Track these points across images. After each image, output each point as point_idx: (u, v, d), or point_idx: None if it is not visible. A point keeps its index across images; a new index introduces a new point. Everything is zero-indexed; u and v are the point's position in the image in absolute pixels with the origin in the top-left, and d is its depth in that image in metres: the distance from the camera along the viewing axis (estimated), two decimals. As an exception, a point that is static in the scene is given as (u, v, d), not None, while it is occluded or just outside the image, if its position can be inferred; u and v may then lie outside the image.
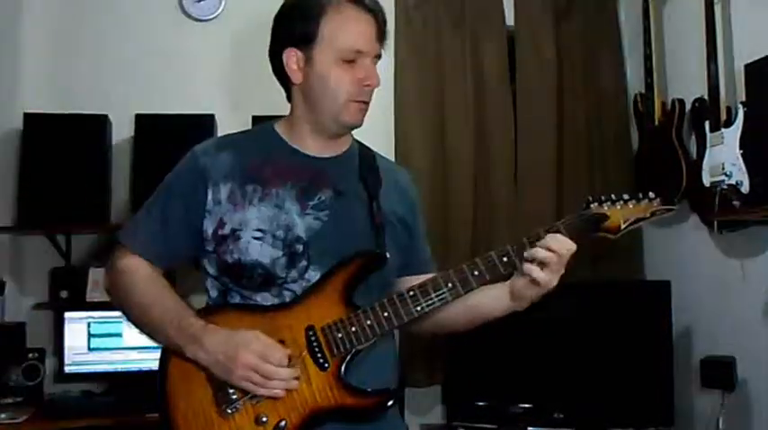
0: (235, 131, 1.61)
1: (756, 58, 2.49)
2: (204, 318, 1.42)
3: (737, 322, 2.74)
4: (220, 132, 3.11)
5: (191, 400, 1.40)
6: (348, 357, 1.41)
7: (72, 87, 3.16)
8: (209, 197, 1.46)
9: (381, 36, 1.49)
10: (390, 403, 1.42)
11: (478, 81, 3.35)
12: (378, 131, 3.24)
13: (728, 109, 2.68)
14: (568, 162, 3.37)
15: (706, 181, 2.73)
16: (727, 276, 2.80)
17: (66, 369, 2.94)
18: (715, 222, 2.74)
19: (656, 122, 3.02)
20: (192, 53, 3.28)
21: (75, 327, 2.95)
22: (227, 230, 1.45)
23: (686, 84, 2.96)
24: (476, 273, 1.43)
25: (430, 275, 1.50)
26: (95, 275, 3.04)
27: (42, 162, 2.90)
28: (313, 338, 1.40)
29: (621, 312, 2.93)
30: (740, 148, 2.56)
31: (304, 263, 1.44)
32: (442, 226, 3.25)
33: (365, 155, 1.59)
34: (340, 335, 1.40)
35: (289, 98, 1.56)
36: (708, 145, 2.73)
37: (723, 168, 2.62)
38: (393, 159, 3.25)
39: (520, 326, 2.96)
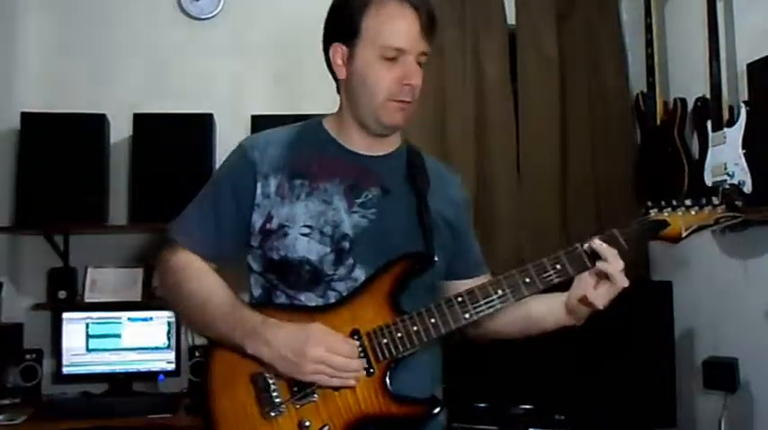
0: (281, 126, 1.58)
1: (759, 56, 2.47)
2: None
3: (740, 323, 2.72)
4: (219, 132, 3.11)
5: (234, 401, 1.38)
6: (393, 363, 1.38)
7: (69, 86, 3.16)
8: (259, 190, 1.45)
9: (427, 32, 1.43)
10: (437, 411, 1.39)
11: (479, 80, 3.33)
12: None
13: (731, 108, 2.67)
14: (570, 162, 3.35)
15: (708, 181, 2.70)
16: (729, 277, 2.78)
17: (65, 370, 2.94)
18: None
19: (658, 122, 3.01)
20: (191, 52, 3.27)
21: (74, 328, 2.95)
22: (274, 225, 1.43)
23: (688, 83, 2.94)
24: (527, 280, 1.40)
25: (480, 279, 1.48)
26: (93, 275, 3.04)
27: (40, 162, 2.90)
28: (358, 343, 1.37)
29: (623, 313, 2.89)
30: (742, 148, 2.54)
31: (351, 260, 1.42)
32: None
33: (414, 155, 1.56)
34: (385, 340, 1.37)
35: (339, 92, 1.54)
36: (710, 144, 2.70)
37: (725, 168, 2.60)
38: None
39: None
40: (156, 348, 2.99)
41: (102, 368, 2.95)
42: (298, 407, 1.37)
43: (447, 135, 3.31)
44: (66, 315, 2.95)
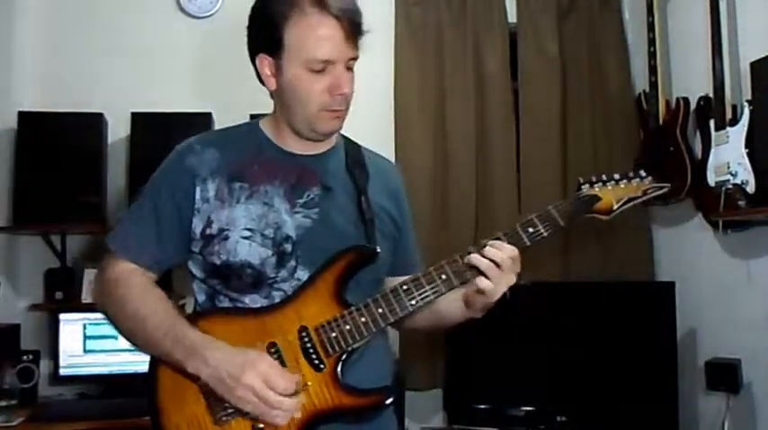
0: (217, 129, 1.57)
1: (762, 55, 2.45)
2: (194, 324, 1.38)
3: (743, 324, 2.71)
4: (218, 131, 3.08)
5: (184, 410, 1.37)
6: (344, 356, 1.38)
7: (67, 85, 3.14)
8: (198, 195, 1.43)
9: (352, 38, 1.39)
10: (389, 401, 1.39)
11: (480, 79, 3.32)
12: (378, 131, 3.23)
13: (734, 107, 2.65)
14: (572, 161, 3.34)
15: (711, 180, 2.69)
16: (732, 277, 2.76)
17: (62, 371, 2.92)
18: (720, 222, 2.71)
19: (661, 121, 3.00)
20: (189, 50, 3.25)
21: (71, 329, 2.93)
22: (214, 229, 1.42)
23: (691, 82, 2.93)
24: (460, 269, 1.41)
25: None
26: (91, 276, 3.02)
27: (37, 161, 2.88)
28: (306, 339, 1.37)
29: (625, 313, 2.90)
30: (746, 147, 2.52)
31: (293, 262, 1.42)
32: (442, 226, 3.22)
33: (351, 149, 1.56)
34: (334, 334, 1.37)
35: (271, 97, 1.52)
36: (713, 144, 2.69)
37: (728, 167, 2.59)
38: (393, 159, 3.22)
39: (521, 327, 2.95)
40: (155, 349, 2.96)
41: (100, 369, 2.93)
42: None
43: (447, 134, 3.29)
44: (63, 316, 2.93)
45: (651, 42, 3.00)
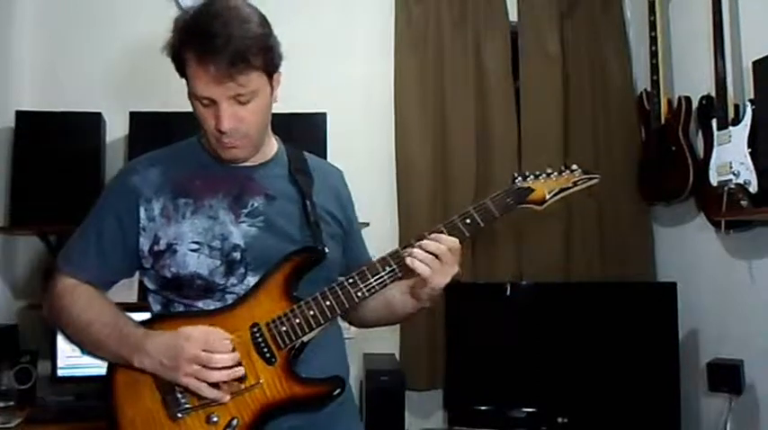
0: (157, 149, 1.61)
1: (765, 54, 2.44)
2: (148, 328, 1.44)
3: (745, 324, 2.70)
4: (217, 130, 3.07)
5: (139, 408, 1.41)
6: (295, 348, 1.43)
7: (65, 84, 3.12)
8: (143, 214, 1.48)
9: (230, 75, 1.38)
10: (338, 391, 1.44)
11: (481, 79, 3.31)
12: (378, 130, 3.22)
13: (736, 107, 2.64)
14: (573, 161, 3.27)
15: (713, 180, 2.69)
16: (734, 277, 2.75)
17: (60, 372, 2.90)
18: (722, 222, 2.70)
19: (663, 120, 2.99)
20: (188, 49, 3.22)
21: (69, 330, 2.90)
22: (162, 246, 1.47)
23: (693, 81, 2.92)
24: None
25: None
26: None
27: (35, 161, 2.86)
28: (258, 335, 1.42)
29: (626, 314, 2.90)
30: (748, 147, 2.52)
31: (242, 270, 1.47)
32: (439, 226, 3.20)
33: (294, 156, 1.61)
34: (284, 328, 1.42)
35: None
36: (715, 143, 2.69)
37: (731, 167, 2.59)
38: (393, 159, 3.21)
39: (522, 327, 2.94)
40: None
41: (98, 370, 2.86)
42: (204, 404, 1.39)
43: (448, 134, 3.28)
44: (61, 316, 2.91)
45: (653, 41, 2.99)
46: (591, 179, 1.60)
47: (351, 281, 1.45)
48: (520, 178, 1.55)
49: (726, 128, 2.62)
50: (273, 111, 2.98)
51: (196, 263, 1.45)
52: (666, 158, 2.93)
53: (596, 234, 3.27)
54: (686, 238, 3.06)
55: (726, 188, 2.58)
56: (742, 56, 2.67)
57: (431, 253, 1.42)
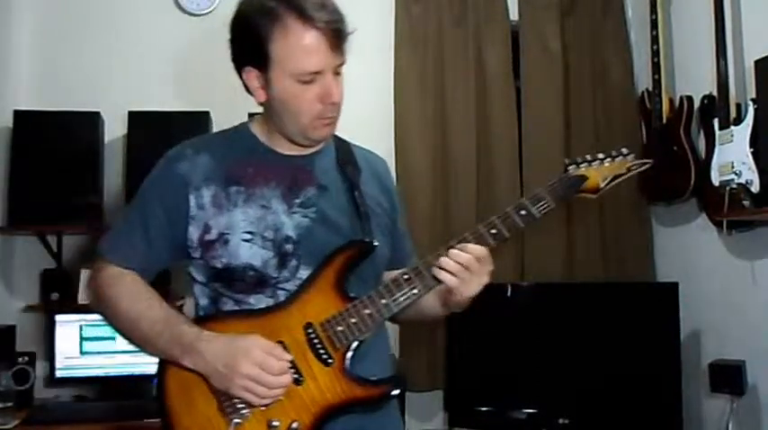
0: (205, 134, 1.59)
1: (767, 53, 2.44)
2: (200, 327, 1.40)
3: (747, 325, 2.69)
4: (215, 130, 3.04)
5: (194, 414, 1.38)
6: (351, 349, 1.40)
7: (63, 84, 3.10)
8: (192, 203, 1.44)
9: (337, 46, 1.39)
10: (398, 391, 1.42)
11: (481, 78, 3.29)
12: (378, 130, 3.20)
13: (738, 106, 2.64)
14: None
15: (715, 180, 2.68)
16: (736, 278, 2.74)
17: (58, 373, 2.89)
18: (724, 222, 2.69)
19: (664, 120, 2.98)
20: (187, 48, 3.22)
21: (67, 331, 2.90)
22: (213, 235, 1.43)
23: (695, 80, 2.90)
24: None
25: None
26: (87, 277, 2.98)
27: (33, 161, 2.84)
28: (313, 335, 1.39)
29: (628, 314, 2.88)
30: (750, 146, 2.51)
31: (294, 262, 1.43)
32: (443, 226, 3.20)
33: (341, 145, 1.58)
34: (341, 328, 1.39)
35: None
36: (717, 143, 2.68)
37: (732, 167, 2.58)
38: (393, 159, 3.20)
39: (523, 328, 2.93)
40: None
41: (96, 371, 2.90)
42: (263, 408, 1.36)
43: (448, 131, 3.27)
44: (59, 317, 2.90)
45: (654, 40, 2.98)
46: (644, 164, 1.51)
47: (406, 277, 1.41)
48: (573, 165, 1.48)
49: (728, 127, 2.61)
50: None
51: (249, 253, 1.41)
52: (668, 158, 2.91)
53: (597, 234, 3.26)
54: (688, 238, 3.05)
55: (727, 188, 2.57)
56: (744, 55, 2.66)
57: (459, 263, 1.39)
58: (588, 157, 1.49)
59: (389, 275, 1.50)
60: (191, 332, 1.37)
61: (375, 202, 1.54)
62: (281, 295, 1.42)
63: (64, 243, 3.04)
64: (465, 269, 1.38)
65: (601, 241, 3.27)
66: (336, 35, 1.38)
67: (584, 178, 1.47)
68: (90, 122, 2.94)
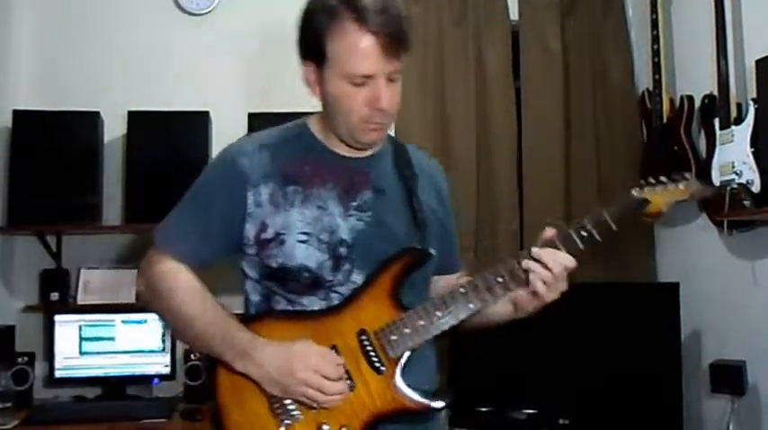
0: (265, 130, 1.55)
1: (767, 53, 2.43)
2: (250, 327, 1.40)
3: (748, 325, 2.68)
4: (215, 130, 3.07)
5: (245, 412, 1.38)
6: (403, 359, 1.39)
7: (62, 83, 3.10)
8: (250, 200, 1.43)
9: (392, 52, 1.37)
10: (445, 404, 1.42)
11: (481, 77, 3.29)
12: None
13: (739, 106, 2.63)
14: (574, 160, 3.31)
15: (715, 180, 2.67)
16: (737, 278, 2.74)
17: (57, 373, 2.90)
18: (725, 222, 2.68)
19: (665, 120, 2.97)
20: (186, 48, 3.22)
21: (66, 331, 2.90)
22: (270, 234, 1.43)
23: (695, 80, 2.90)
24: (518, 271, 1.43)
25: (455, 277, 1.52)
26: (86, 277, 3.00)
27: (32, 160, 2.84)
28: (366, 342, 1.39)
29: (629, 315, 2.87)
30: (751, 146, 2.50)
31: (348, 266, 1.43)
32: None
33: (398, 148, 1.57)
34: (394, 337, 1.39)
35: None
36: (717, 143, 2.67)
37: (733, 167, 2.57)
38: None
39: (523, 328, 2.91)
40: (151, 351, 2.94)
41: (96, 372, 2.91)
42: (314, 412, 1.37)
43: (448, 131, 3.27)
44: (58, 317, 2.90)
45: (655, 40, 2.97)
46: (707, 188, 1.54)
47: (462, 291, 1.41)
48: (636, 188, 1.48)
49: (728, 127, 2.60)
50: (272, 110, 2.98)
51: (304, 254, 1.41)
52: (668, 158, 2.90)
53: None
54: (688, 239, 3.04)
55: (728, 188, 2.57)
56: (744, 54, 2.66)
57: (550, 269, 1.38)
58: (652, 181, 1.49)
59: (437, 281, 1.52)
60: (243, 338, 1.37)
61: (430, 209, 1.53)
62: (335, 298, 1.42)
63: (63, 243, 3.04)
64: (552, 275, 1.39)
65: (601, 241, 3.26)
66: (392, 42, 1.37)
67: (646, 202, 1.47)
68: (89, 122, 2.94)
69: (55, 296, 2.94)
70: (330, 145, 1.49)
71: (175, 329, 1.48)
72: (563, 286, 1.41)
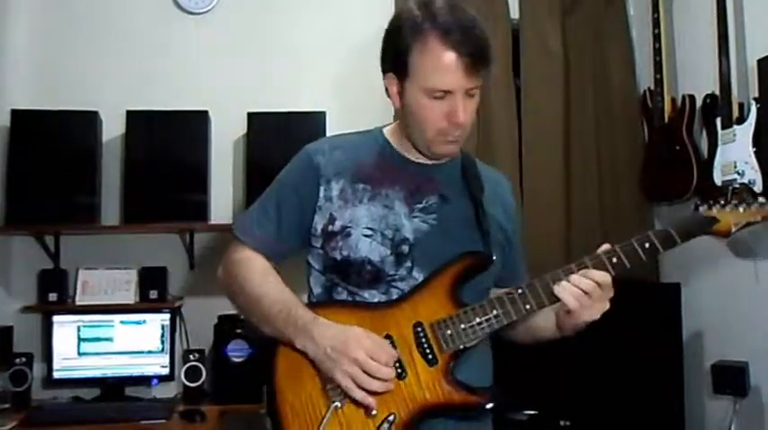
0: (343, 132, 1.66)
1: (770, 52, 2.43)
2: (314, 311, 1.46)
3: (750, 326, 2.68)
4: (214, 129, 3.06)
5: (299, 392, 1.43)
6: (456, 354, 1.43)
7: (61, 83, 3.09)
8: (321, 193, 1.52)
9: (473, 71, 1.43)
10: (493, 404, 1.45)
11: (481, 76, 3.27)
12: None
13: (741, 105, 2.63)
14: (575, 160, 3.30)
15: (717, 179, 2.66)
16: (739, 278, 2.73)
17: (55, 374, 2.89)
18: (727, 222, 2.66)
19: (666, 119, 2.96)
20: (186, 47, 3.20)
21: (64, 331, 2.89)
22: (337, 227, 1.50)
23: (697, 79, 2.89)
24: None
25: None
26: (85, 277, 2.99)
27: (30, 160, 2.83)
28: (421, 334, 1.43)
29: (630, 315, 2.84)
30: (753, 146, 2.50)
31: (409, 263, 1.48)
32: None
33: (468, 161, 1.63)
34: (449, 331, 1.43)
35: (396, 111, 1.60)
36: (719, 142, 2.66)
37: (735, 166, 2.56)
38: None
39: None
40: (150, 352, 2.93)
41: (94, 372, 2.90)
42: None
43: (448, 132, 3.24)
44: (56, 318, 2.90)
45: (656, 39, 2.96)
46: None
47: (520, 292, 1.44)
48: (705, 206, 1.53)
49: (730, 126, 2.60)
50: (272, 109, 2.96)
51: (368, 248, 1.47)
52: (670, 158, 2.90)
53: (598, 234, 3.24)
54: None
55: (730, 188, 2.56)
56: (746, 54, 2.65)
57: (581, 289, 1.40)
58: (722, 201, 1.53)
59: (497, 293, 1.53)
60: (306, 315, 1.43)
61: (495, 221, 1.57)
62: (394, 293, 1.47)
63: (61, 243, 3.03)
64: (586, 295, 1.40)
65: (601, 241, 3.23)
66: (473, 59, 1.42)
67: (715, 220, 1.50)
68: (88, 122, 2.93)
69: (53, 296, 2.94)
70: (402, 150, 1.57)
71: (245, 310, 1.55)
72: (603, 305, 1.42)
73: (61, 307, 2.93)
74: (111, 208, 3.01)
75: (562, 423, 2.78)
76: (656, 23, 2.96)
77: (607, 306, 1.43)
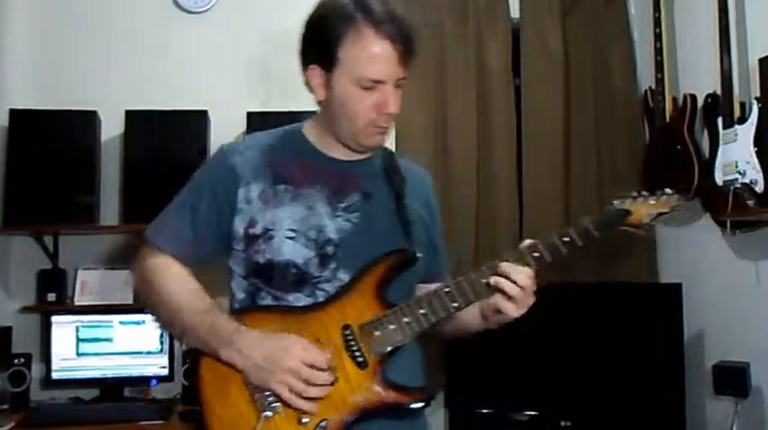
0: (259, 132, 1.61)
1: (771, 51, 2.43)
2: (236, 319, 1.42)
3: (751, 326, 2.67)
4: (213, 129, 3.05)
5: (227, 405, 1.40)
6: (386, 355, 1.41)
7: (59, 82, 3.08)
8: (241, 196, 1.47)
9: (405, 60, 1.44)
10: (425, 403, 1.44)
11: (482, 76, 3.27)
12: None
13: (742, 105, 2.62)
14: (575, 159, 3.30)
15: (719, 179, 2.65)
16: (740, 278, 2.73)
17: (54, 375, 2.88)
18: (728, 222, 2.67)
19: (667, 119, 2.96)
20: (185, 47, 3.20)
21: (63, 332, 2.89)
22: (258, 230, 1.46)
23: (698, 78, 2.88)
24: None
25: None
26: (84, 277, 2.99)
27: (29, 160, 2.83)
28: (350, 337, 1.41)
29: (631, 316, 2.86)
30: (754, 146, 2.49)
31: (334, 265, 1.46)
32: (443, 225, 3.17)
33: (387, 156, 1.61)
34: (378, 332, 1.41)
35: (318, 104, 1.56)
36: (720, 142, 2.66)
37: (736, 166, 2.55)
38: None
39: (525, 329, 2.89)
40: (149, 352, 2.93)
41: (93, 373, 2.89)
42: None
43: (448, 131, 3.25)
44: (55, 318, 2.89)
45: (657, 38, 2.96)
46: (688, 202, 1.56)
47: (447, 291, 1.42)
48: (617, 200, 1.53)
49: (731, 126, 2.59)
50: (272, 110, 2.96)
51: (292, 251, 1.44)
52: (671, 157, 2.89)
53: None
54: (691, 239, 3.02)
55: (732, 187, 2.55)
56: (748, 53, 2.65)
57: (518, 285, 1.40)
58: (634, 194, 1.54)
59: (422, 289, 1.51)
60: (228, 326, 1.39)
61: (416, 215, 1.56)
62: (320, 295, 1.45)
63: (60, 243, 3.02)
64: (521, 289, 1.40)
65: (603, 241, 3.23)
66: (405, 50, 1.43)
67: (628, 212, 1.51)
68: (87, 121, 2.92)
69: (52, 297, 2.93)
70: (322, 148, 1.53)
71: (165, 322, 1.49)
72: (530, 300, 1.43)
73: (60, 307, 2.93)
74: (109, 208, 3.01)
75: (563, 423, 2.78)
76: (657, 23, 2.96)
77: (533, 300, 1.43)
